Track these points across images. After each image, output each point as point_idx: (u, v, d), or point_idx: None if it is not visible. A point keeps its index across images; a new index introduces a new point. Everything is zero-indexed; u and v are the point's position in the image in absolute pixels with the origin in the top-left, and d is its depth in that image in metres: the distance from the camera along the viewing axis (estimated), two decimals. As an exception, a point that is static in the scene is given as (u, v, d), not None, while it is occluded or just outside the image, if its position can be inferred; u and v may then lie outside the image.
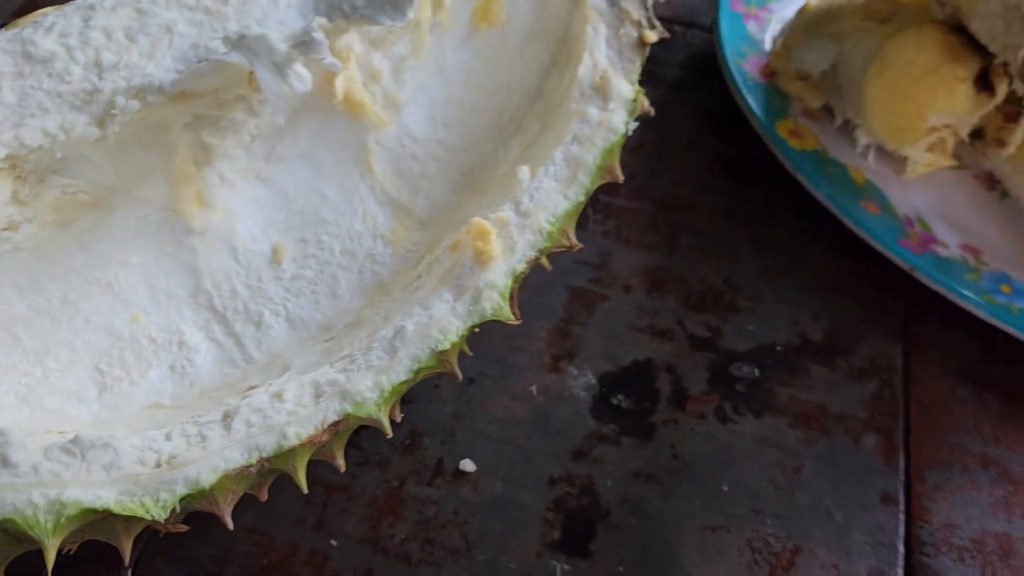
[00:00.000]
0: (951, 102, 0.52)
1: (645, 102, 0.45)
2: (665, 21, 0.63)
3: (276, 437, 0.36)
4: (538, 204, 0.42)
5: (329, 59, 0.37)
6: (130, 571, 0.41)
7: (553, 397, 0.48)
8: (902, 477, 0.46)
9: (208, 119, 0.40)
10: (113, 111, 0.36)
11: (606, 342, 0.50)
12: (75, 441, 0.34)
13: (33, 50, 0.37)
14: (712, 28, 0.64)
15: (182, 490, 0.34)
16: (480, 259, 0.40)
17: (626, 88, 0.44)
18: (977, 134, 0.55)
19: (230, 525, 0.36)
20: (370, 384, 0.37)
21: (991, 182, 0.56)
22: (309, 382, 0.37)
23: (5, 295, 0.40)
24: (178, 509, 0.34)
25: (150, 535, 0.42)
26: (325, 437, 0.36)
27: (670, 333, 0.51)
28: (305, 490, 0.37)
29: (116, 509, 0.33)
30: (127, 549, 0.35)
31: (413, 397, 0.47)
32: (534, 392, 0.48)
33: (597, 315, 0.51)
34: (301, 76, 0.36)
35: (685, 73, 0.65)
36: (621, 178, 0.44)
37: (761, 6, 0.63)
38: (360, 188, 0.46)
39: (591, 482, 0.45)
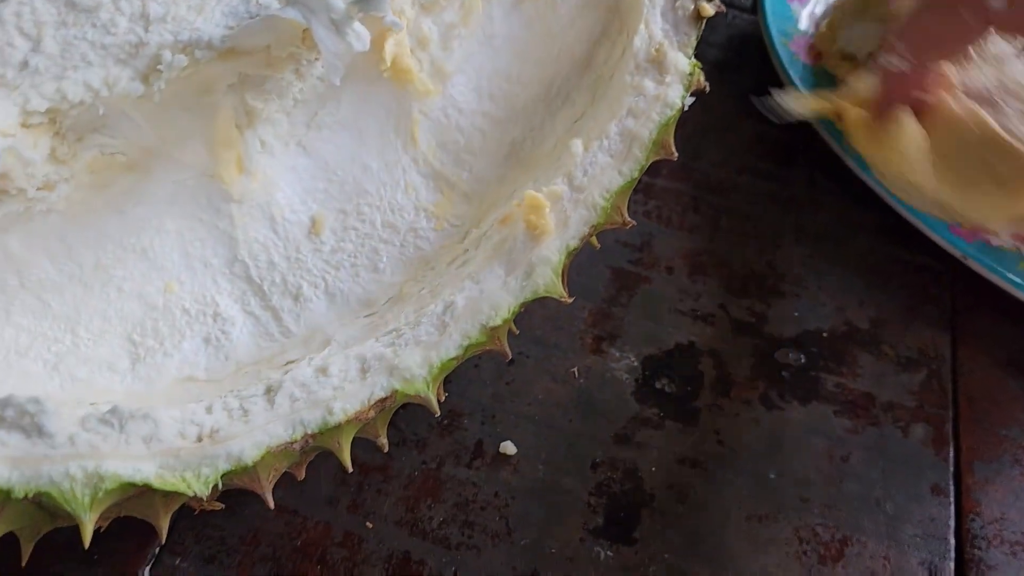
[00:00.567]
0: None
1: (701, 77, 0.43)
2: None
3: (322, 412, 0.34)
4: (592, 179, 0.40)
5: (390, 17, 0.35)
6: (159, 548, 0.39)
7: (595, 379, 0.46)
8: (951, 468, 0.45)
9: (254, 80, 0.38)
10: (159, 66, 0.35)
11: (648, 325, 0.49)
12: (113, 412, 0.32)
13: (77, -2, 0.36)
14: (755, 8, 0.62)
15: (224, 466, 0.33)
16: (534, 233, 0.38)
17: (683, 61, 0.42)
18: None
19: (271, 503, 0.34)
20: (419, 360, 0.36)
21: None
22: (355, 356, 0.36)
23: (36, 260, 0.38)
24: (220, 485, 0.33)
25: (180, 512, 0.40)
26: (371, 414, 0.35)
27: (713, 317, 0.49)
28: (349, 468, 0.35)
29: (156, 484, 0.32)
30: (164, 526, 0.34)
31: (452, 377, 0.45)
32: (576, 374, 0.46)
33: (639, 297, 0.50)
34: (359, 34, 0.34)
35: (726, 54, 0.63)
36: (675, 155, 0.42)
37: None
38: (403, 159, 0.45)
39: (635, 467, 0.43)
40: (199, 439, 0.33)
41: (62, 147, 0.35)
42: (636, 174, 0.41)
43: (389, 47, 0.41)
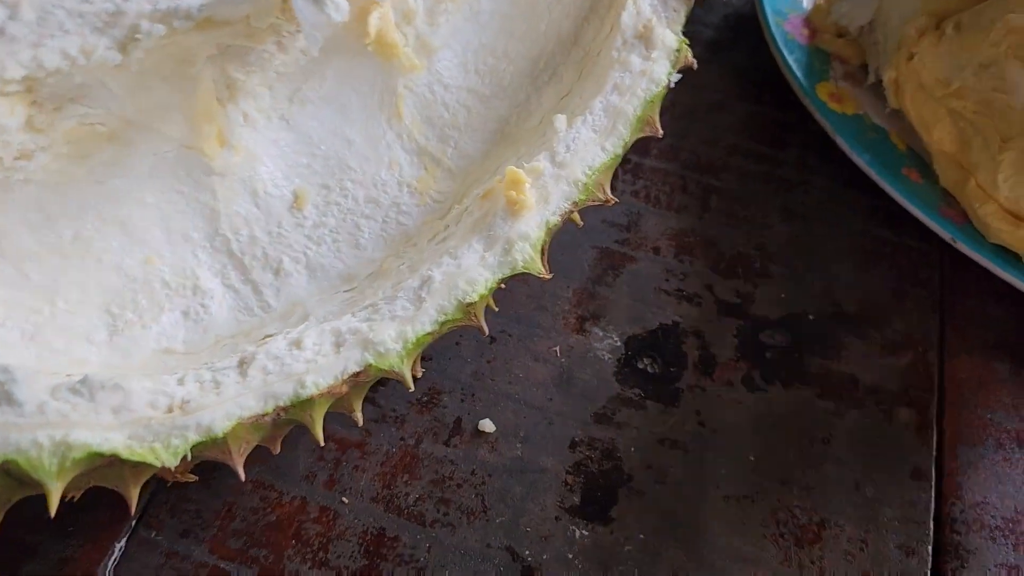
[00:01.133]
0: None
1: (689, 54, 0.43)
2: (702, -22, 0.61)
3: (294, 386, 0.34)
4: (574, 155, 0.40)
5: (370, -12, 0.35)
6: (134, 521, 0.40)
7: (577, 359, 0.46)
8: (934, 453, 0.44)
9: (234, 52, 0.38)
10: (137, 35, 0.34)
11: (633, 305, 0.48)
12: (84, 381, 0.32)
13: (54, -34, 0.35)
14: (750, -13, 0.61)
15: (194, 437, 0.33)
16: (513, 209, 0.38)
17: (670, 38, 0.42)
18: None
19: (242, 475, 0.34)
20: (393, 335, 0.36)
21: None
22: (330, 330, 0.36)
23: (15, 229, 0.38)
24: (189, 457, 0.33)
25: (156, 485, 0.41)
26: (345, 389, 0.35)
27: (698, 298, 0.49)
28: (322, 443, 0.35)
29: (124, 454, 0.32)
30: (134, 497, 0.34)
31: (433, 354, 0.45)
32: (558, 353, 0.46)
33: (624, 277, 0.50)
34: (338, 5, 0.34)
35: (721, 34, 0.63)
36: (660, 132, 0.42)
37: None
38: (387, 135, 0.44)
39: (613, 447, 0.43)
40: (169, 410, 0.33)
41: (39, 116, 0.35)
42: (620, 151, 0.41)
43: (373, 20, 0.41)
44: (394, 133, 0.45)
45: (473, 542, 0.40)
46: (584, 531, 0.41)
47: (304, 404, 0.34)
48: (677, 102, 0.58)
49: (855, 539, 0.41)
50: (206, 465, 0.36)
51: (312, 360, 0.35)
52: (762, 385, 0.46)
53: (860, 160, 0.51)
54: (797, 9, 0.58)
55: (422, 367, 0.43)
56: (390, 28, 0.42)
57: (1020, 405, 0.46)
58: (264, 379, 0.34)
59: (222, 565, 0.38)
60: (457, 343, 0.46)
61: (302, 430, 0.37)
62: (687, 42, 0.43)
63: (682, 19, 0.44)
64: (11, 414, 0.31)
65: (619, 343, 0.47)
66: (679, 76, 0.43)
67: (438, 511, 0.41)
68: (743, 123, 0.58)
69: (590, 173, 0.40)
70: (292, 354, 0.35)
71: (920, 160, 0.52)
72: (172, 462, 0.32)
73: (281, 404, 0.34)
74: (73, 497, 0.35)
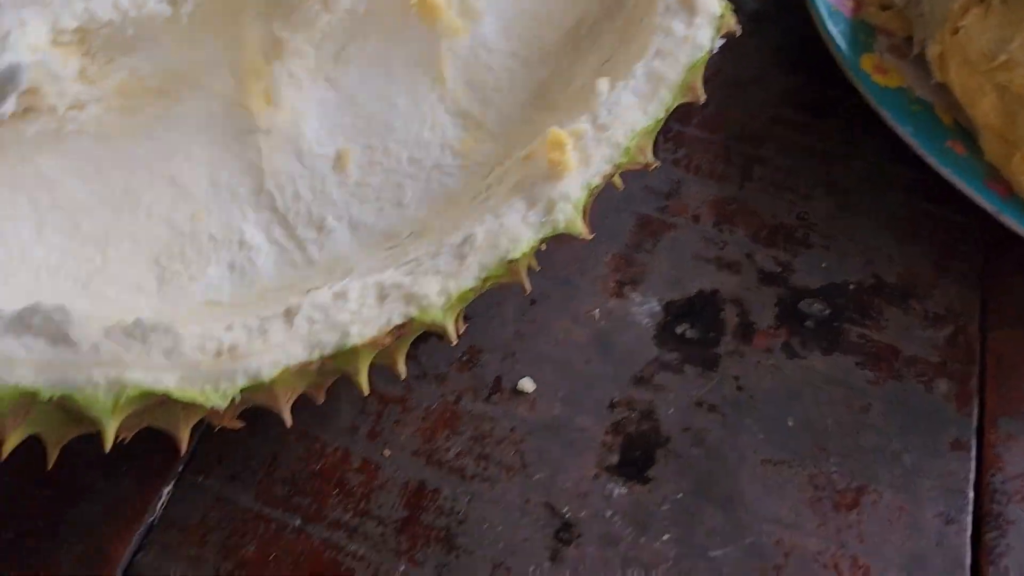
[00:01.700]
0: None
1: (732, 20, 0.43)
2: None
3: (338, 335, 0.35)
4: (616, 118, 0.40)
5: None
6: (182, 466, 0.41)
7: (616, 322, 0.46)
8: (975, 424, 0.44)
9: (281, 9, 0.39)
10: (187, -12, 0.35)
11: (672, 271, 0.49)
12: (136, 324, 0.33)
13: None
14: (795, -41, 0.61)
15: (242, 381, 0.33)
16: (555, 170, 0.38)
17: (713, 3, 0.42)
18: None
19: (288, 421, 0.35)
20: (437, 288, 0.36)
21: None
22: (373, 284, 0.36)
23: (68, 180, 0.39)
24: (237, 400, 0.34)
25: (202, 434, 0.41)
26: (388, 340, 0.35)
27: (738, 266, 0.49)
28: (366, 391, 0.36)
29: (176, 394, 0.32)
30: (184, 438, 0.35)
31: (473, 315, 0.46)
32: (596, 316, 0.46)
33: (664, 243, 0.50)
34: (384, -39, 0.35)
35: (764, 5, 0.62)
36: (703, 97, 0.42)
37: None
38: (430, 97, 0.45)
39: (652, 409, 0.43)
40: (218, 354, 0.34)
41: (92, 67, 0.36)
42: (662, 115, 0.41)
43: (417, -19, 0.41)
44: (437, 95, 0.45)
45: (512, 497, 0.40)
46: (622, 489, 0.41)
47: (348, 353, 0.35)
48: (720, 71, 0.58)
49: (893, 506, 0.41)
50: (251, 413, 0.36)
51: (356, 312, 0.35)
52: (801, 352, 0.46)
53: (904, 132, 0.51)
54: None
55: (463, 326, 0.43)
56: (434, -10, 0.43)
57: (1063, 378, 0.46)
58: (310, 328, 0.35)
59: (267, 511, 0.39)
60: (499, 303, 0.46)
61: (345, 386, 0.38)
62: (731, 7, 0.43)
63: (727, -16, 0.44)
64: (67, 353, 0.32)
65: (658, 308, 0.47)
66: (722, 41, 0.43)
67: (478, 466, 0.41)
68: (786, 95, 0.57)
69: (632, 136, 0.40)
70: (337, 305, 0.35)
71: (965, 133, 0.51)
72: (222, 403, 0.33)
73: (326, 353, 0.35)
74: (124, 439, 0.36)
